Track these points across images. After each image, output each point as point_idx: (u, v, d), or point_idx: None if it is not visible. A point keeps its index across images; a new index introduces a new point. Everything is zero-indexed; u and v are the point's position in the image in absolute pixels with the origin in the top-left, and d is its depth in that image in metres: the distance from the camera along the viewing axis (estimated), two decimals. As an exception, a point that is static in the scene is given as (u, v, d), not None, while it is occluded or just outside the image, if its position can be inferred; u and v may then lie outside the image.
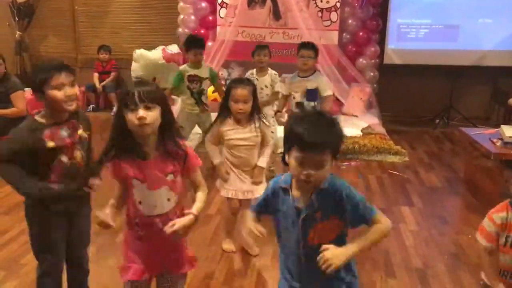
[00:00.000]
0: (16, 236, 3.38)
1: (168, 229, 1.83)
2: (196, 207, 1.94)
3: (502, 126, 4.10)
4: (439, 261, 3.17)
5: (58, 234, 2.23)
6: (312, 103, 3.90)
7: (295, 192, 1.68)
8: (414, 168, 5.11)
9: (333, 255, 1.58)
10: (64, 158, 2.13)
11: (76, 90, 2.12)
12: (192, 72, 4.49)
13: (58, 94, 2.05)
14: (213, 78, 4.62)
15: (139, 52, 5.34)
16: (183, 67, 4.66)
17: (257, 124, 2.98)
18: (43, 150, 2.07)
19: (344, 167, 5.03)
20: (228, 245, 3.24)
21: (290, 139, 1.61)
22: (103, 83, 7.33)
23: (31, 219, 2.22)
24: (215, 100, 6.45)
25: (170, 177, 1.87)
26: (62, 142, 2.11)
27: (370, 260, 3.13)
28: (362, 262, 3.10)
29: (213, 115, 5.98)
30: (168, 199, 1.89)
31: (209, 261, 3.10)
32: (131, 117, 1.76)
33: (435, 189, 4.52)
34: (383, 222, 1.67)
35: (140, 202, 1.88)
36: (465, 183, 4.56)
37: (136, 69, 6.32)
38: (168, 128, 1.85)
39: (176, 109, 5.88)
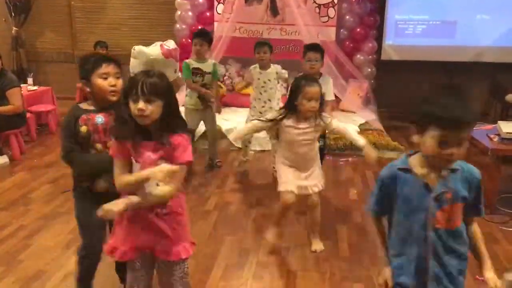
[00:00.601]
0: (15, 232, 3.37)
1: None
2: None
3: (499, 122, 4.10)
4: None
5: (94, 219, 2.28)
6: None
7: (420, 170, 1.61)
8: (412, 164, 5.12)
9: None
10: (98, 146, 2.21)
11: (120, 82, 2.21)
12: (196, 65, 4.51)
13: (103, 82, 2.18)
14: (214, 74, 4.61)
15: (138, 49, 5.30)
16: (188, 60, 4.67)
17: (317, 121, 3.00)
18: (78, 134, 2.19)
19: (341, 163, 5.04)
20: (271, 236, 3.22)
21: (426, 118, 1.52)
22: (100, 79, 7.31)
23: (75, 201, 2.36)
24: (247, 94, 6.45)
25: (161, 163, 1.86)
26: (95, 129, 2.20)
27: (368, 255, 3.14)
28: (359, 257, 3.11)
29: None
30: (158, 185, 1.88)
31: (208, 256, 3.10)
32: (132, 107, 1.82)
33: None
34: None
35: None
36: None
37: (135, 65, 6.32)
38: (169, 120, 1.86)
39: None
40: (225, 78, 6.97)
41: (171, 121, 1.87)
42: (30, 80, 6.32)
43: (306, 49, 3.97)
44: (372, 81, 6.78)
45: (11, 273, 2.86)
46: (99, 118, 2.21)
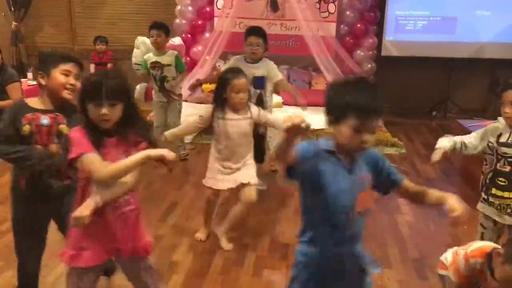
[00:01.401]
0: (13, 226, 3.37)
1: None
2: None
3: (499, 118, 4.08)
4: (435, 252, 3.16)
5: (36, 221, 2.31)
6: (258, 91, 3.80)
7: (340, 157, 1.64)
8: (411, 159, 5.13)
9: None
10: (39, 148, 2.15)
11: (79, 84, 2.14)
12: (154, 58, 4.53)
13: (63, 79, 2.13)
14: (178, 66, 4.57)
15: (141, 39, 5.31)
16: (147, 54, 4.66)
17: (253, 112, 3.04)
18: (18, 132, 2.12)
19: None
20: (200, 234, 3.25)
21: (344, 108, 1.56)
22: (100, 74, 7.29)
23: (13, 203, 2.33)
24: (211, 92, 6.46)
25: (123, 158, 1.84)
26: (38, 130, 2.13)
27: (367, 250, 3.14)
28: (358, 253, 3.12)
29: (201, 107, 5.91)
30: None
31: (206, 252, 3.11)
32: (93, 111, 1.78)
33: (431, 181, 4.53)
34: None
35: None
36: (461, 175, 4.58)
37: (137, 55, 6.31)
38: (129, 122, 1.84)
39: None
40: (224, 73, 6.96)
41: (130, 119, 1.85)
42: (30, 75, 6.32)
43: (247, 33, 3.97)
44: (372, 77, 6.76)
45: (10, 267, 2.85)
46: (45, 120, 2.14)
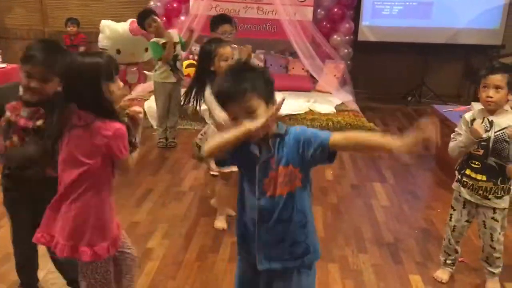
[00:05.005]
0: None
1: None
2: None
3: (472, 103, 4.15)
4: (409, 236, 3.22)
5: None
6: None
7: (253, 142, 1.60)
8: (387, 144, 5.16)
9: None
10: (15, 139, 1.99)
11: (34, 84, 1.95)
12: (163, 40, 4.46)
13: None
14: (181, 44, 4.60)
15: (104, 23, 5.17)
16: (153, 39, 4.60)
17: None
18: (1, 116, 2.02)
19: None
20: (221, 223, 3.21)
21: (216, 98, 1.64)
22: (72, 57, 7.10)
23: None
24: (189, 75, 6.38)
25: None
26: (16, 120, 1.98)
27: (342, 235, 3.16)
28: (334, 237, 3.13)
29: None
30: None
31: (182, 237, 3.08)
32: (114, 88, 1.74)
33: (407, 166, 4.58)
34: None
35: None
36: (436, 160, 4.63)
37: (101, 39, 6.18)
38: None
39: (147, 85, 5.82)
40: (201, 57, 6.86)
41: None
42: (-1, 58, 6.12)
43: (220, 21, 3.88)
44: (349, 62, 6.78)
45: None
46: (25, 113, 1.98)
